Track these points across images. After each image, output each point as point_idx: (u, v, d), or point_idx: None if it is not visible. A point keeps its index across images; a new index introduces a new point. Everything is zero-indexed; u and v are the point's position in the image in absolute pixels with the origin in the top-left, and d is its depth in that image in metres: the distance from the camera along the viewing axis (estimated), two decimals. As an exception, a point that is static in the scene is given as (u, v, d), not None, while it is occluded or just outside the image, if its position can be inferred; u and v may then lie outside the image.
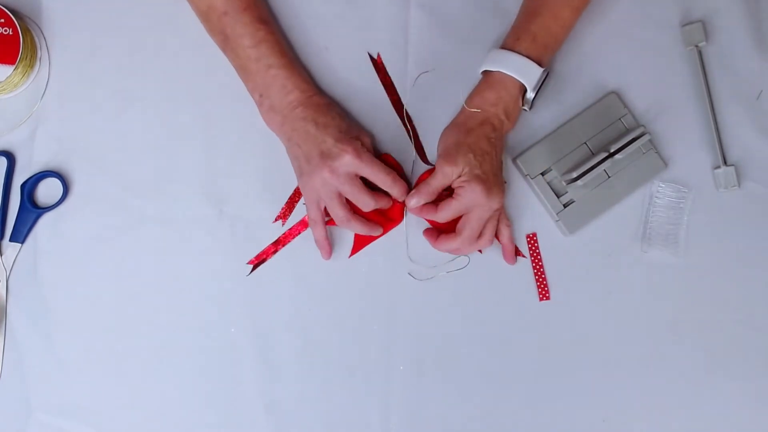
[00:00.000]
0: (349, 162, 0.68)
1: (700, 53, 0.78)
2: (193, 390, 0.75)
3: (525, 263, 0.76)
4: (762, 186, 0.78)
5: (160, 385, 0.75)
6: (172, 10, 0.77)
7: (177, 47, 0.77)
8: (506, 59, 0.72)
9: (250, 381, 0.75)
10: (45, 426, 0.74)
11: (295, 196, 0.76)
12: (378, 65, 0.78)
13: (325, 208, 0.72)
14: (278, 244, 0.76)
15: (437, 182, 0.71)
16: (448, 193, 0.72)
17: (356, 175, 0.70)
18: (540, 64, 0.71)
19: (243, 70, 0.72)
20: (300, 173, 0.72)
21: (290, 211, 0.76)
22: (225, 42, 0.72)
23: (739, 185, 0.77)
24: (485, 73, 0.73)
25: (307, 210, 0.74)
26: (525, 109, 0.75)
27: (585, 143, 0.77)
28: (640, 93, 0.79)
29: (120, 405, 0.75)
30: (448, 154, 0.70)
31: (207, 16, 0.72)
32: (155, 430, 0.75)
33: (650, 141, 0.77)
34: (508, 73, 0.71)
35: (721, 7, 0.79)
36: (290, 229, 0.76)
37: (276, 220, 0.76)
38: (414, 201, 0.72)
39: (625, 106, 0.78)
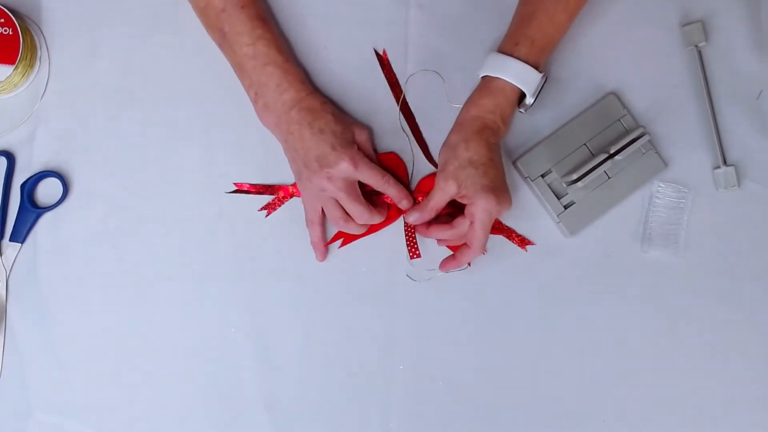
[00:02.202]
0: (345, 169, 0.68)
1: (700, 53, 0.78)
2: (193, 390, 0.75)
3: (526, 264, 0.76)
4: (762, 186, 0.78)
5: (160, 384, 0.75)
6: (172, 10, 0.77)
7: (177, 47, 0.77)
8: (506, 65, 0.71)
9: (250, 381, 0.75)
10: (45, 426, 0.74)
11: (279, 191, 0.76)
12: (383, 62, 0.78)
13: (323, 210, 0.73)
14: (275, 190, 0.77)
15: (437, 200, 0.70)
16: (448, 210, 0.72)
17: (353, 182, 0.70)
18: (537, 68, 0.71)
19: (239, 68, 0.72)
20: (298, 176, 0.72)
21: (279, 205, 0.76)
22: (222, 39, 0.71)
23: (739, 185, 0.77)
24: (484, 77, 0.73)
25: (305, 210, 0.74)
26: (521, 111, 0.74)
27: (585, 144, 0.77)
28: (640, 93, 0.78)
29: (120, 405, 0.75)
30: (445, 169, 0.70)
31: (205, 13, 0.72)
32: (155, 429, 0.75)
33: (650, 141, 0.77)
34: (509, 80, 0.70)
35: (721, 7, 0.79)
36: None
37: (261, 209, 0.76)
38: (413, 218, 0.72)
39: (625, 106, 0.78)
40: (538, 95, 0.72)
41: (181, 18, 0.77)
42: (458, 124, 0.72)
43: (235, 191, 0.76)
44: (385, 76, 0.78)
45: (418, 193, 0.76)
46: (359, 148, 0.72)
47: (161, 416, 0.75)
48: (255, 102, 0.72)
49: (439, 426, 0.75)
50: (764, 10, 0.79)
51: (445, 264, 0.73)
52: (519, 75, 0.70)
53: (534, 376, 0.76)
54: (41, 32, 0.77)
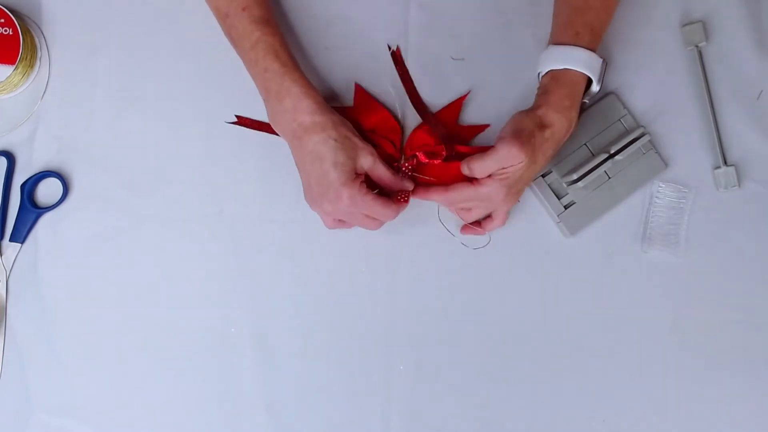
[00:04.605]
0: (346, 203, 0.67)
1: (700, 53, 0.78)
2: (193, 390, 0.75)
3: (526, 264, 0.76)
4: (762, 186, 0.78)
5: (160, 384, 0.75)
6: (171, 10, 0.77)
7: (177, 47, 0.77)
8: (572, 55, 0.69)
9: (250, 381, 0.75)
10: (45, 426, 0.74)
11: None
12: (397, 59, 0.78)
13: None
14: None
15: (497, 161, 0.66)
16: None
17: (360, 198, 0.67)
18: (598, 56, 0.70)
19: (250, 73, 0.71)
20: (304, 191, 0.70)
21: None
22: (233, 44, 0.71)
23: (739, 185, 0.77)
24: (551, 74, 0.70)
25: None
26: (585, 102, 0.73)
27: (585, 144, 0.77)
28: (640, 93, 0.78)
29: (120, 405, 0.75)
30: (519, 136, 0.65)
31: (218, 18, 0.72)
32: (155, 430, 0.75)
33: (650, 141, 0.77)
34: (579, 70, 0.68)
35: (721, 7, 0.79)
36: None
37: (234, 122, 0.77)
38: (465, 169, 0.69)
39: (625, 106, 0.78)
40: (602, 82, 0.71)
41: (181, 18, 0.77)
42: (538, 109, 0.68)
43: (235, 122, 0.76)
44: (398, 72, 0.77)
45: (410, 148, 0.76)
46: (366, 174, 0.69)
47: (161, 416, 0.75)
48: (266, 107, 0.71)
49: (439, 426, 0.75)
50: (764, 10, 0.79)
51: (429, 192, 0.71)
52: (586, 62, 0.69)
53: (534, 375, 0.76)
54: (41, 32, 0.77)
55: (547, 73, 0.70)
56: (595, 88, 0.71)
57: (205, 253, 0.76)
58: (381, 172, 0.69)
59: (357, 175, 0.68)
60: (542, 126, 0.68)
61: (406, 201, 0.73)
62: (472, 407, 0.75)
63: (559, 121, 0.68)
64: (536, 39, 0.78)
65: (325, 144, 0.66)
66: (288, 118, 0.68)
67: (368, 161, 0.68)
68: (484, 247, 0.76)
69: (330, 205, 0.68)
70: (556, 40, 0.71)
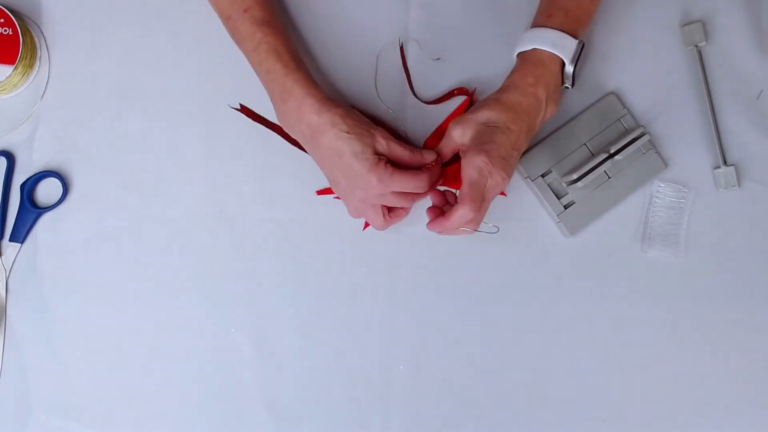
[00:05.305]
0: (377, 187, 0.66)
1: (700, 53, 0.78)
2: (194, 390, 0.75)
3: (526, 264, 0.76)
4: (762, 186, 0.78)
5: (160, 384, 0.75)
6: (171, 10, 0.77)
7: (177, 47, 0.77)
8: (540, 36, 0.70)
9: (250, 381, 0.75)
10: (45, 426, 0.74)
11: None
12: (402, 54, 0.78)
13: None
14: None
15: (445, 143, 0.70)
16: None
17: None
18: (575, 38, 0.70)
19: (257, 75, 0.71)
20: (331, 186, 0.71)
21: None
22: (238, 45, 0.71)
23: (739, 185, 0.77)
24: (520, 55, 0.71)
25: (348, 210, 0.73)
26: (567, 87, 0.73)
27: (585, 144, 0.77)
28: (640, 93, 0.78)
29: (120, 405, 0.75)
30: (463, 116, 0.68)
31: (221, 20, 0.72)
32: (155, 430, 0.75)
33: (650, 141, 0.77)
34: (544, 48, 0.69)
35: (721, 7, 0.79)
36: None
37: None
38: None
39: (625, 106, 0.78)
40: (577, 64, 0.70)
41: (181, 18, 0.77)
42: (496, 99, 0.69)
43: (238, 109, 0.76)
44: (404, 67, 0.78)
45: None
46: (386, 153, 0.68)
47: (161, 416, 0.75)
48: (274, 109, 0.71)
49: (439, 426, 0.75)
50: (764, 10, 0.79)
51: (434, 221, 0.69)
52: (554, 42, 0.69)
53: (534, 376, 0.76)
54: (41, 32, 0.77)
55: (518, 55, 0.71)
56: (568, 68, 0.70)
57: (205, 253, 0.76)
58: (398, 152, 0.68)
59: (379, 157, 0.67)
60: (500, 104, 0.68)
61: (434, 166, 0.70)
62: (472, 407, 0.75)
63: (518, 96, 0.68)
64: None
65: (339, 139, 0.66)
66: (295, 119, 0.68)
67: (383, 144, 0.67)
68: (496, 233, 0.74)
69: (362, 192, 0.67)
70: (531, 24, 0.72)
